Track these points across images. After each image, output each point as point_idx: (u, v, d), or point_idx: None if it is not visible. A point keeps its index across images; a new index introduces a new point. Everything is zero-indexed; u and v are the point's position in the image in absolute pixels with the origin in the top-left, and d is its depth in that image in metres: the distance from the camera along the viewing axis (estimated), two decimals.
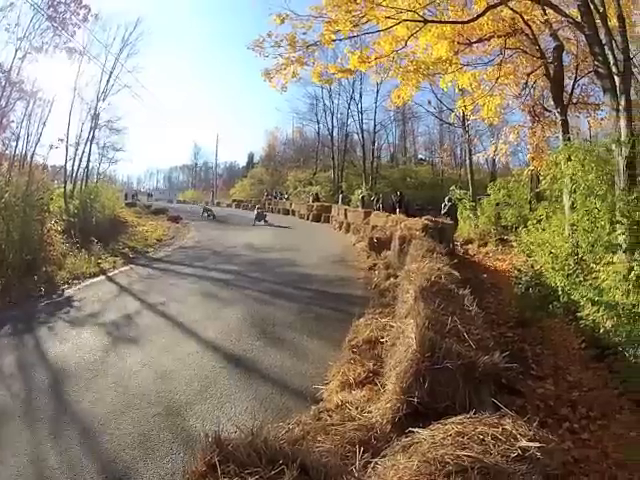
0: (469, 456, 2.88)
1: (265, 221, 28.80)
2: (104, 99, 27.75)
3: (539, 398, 7.69)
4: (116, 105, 29.01)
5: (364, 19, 15.02)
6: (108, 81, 27.64)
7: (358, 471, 3.43)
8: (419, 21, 14.75)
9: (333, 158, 44.30)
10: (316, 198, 36.43)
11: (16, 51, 22.23)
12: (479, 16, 14.99)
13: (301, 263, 16.14)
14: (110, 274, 17.22)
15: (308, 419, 5.40)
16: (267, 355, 8.44)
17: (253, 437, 3.88)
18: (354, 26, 15.07)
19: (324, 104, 45.50)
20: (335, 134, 45.59)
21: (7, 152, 24.72)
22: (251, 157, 56.97)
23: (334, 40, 15.77)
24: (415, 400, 4.36)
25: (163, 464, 5.51)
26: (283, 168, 48.53)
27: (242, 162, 61.38)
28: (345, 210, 27.17)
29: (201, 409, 6.70)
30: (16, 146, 24.61)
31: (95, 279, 16.57)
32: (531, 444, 3.02)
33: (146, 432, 6.24)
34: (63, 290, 15.08)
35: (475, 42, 16.34)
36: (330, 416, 5.30)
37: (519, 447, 3.00)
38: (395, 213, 23.72)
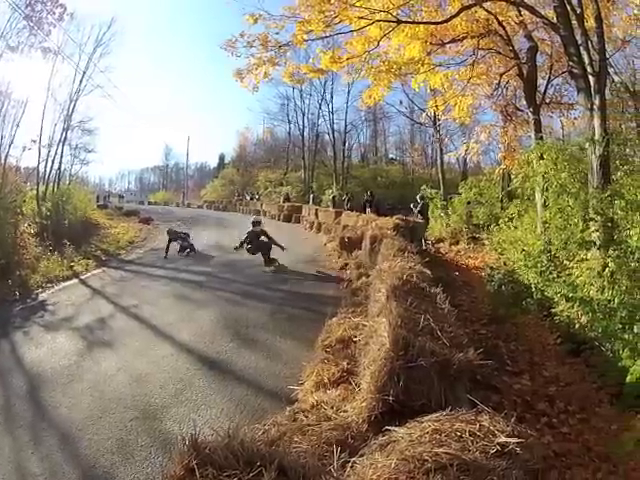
0: (447, 453, 2.91)
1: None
2: (77, 99, 27.45)
3: (516, 394, 7.80)
4: (88, 105, 28.74)
5: (337, 19, 14.99)
6: (81, 81, 27.33)
7: (336, 471, 3.43)
8: (392, 21, 14.76)
9: (304, 158, 44.25)
10: (287, 198, 36.34)
11: None
12: (453, 17, 15.05)
13: None
14: (83, 277, 17.17)
15: (284, 420, 5.38)
16: (241, 356, 8.46)
17: (230, 439, 3.84)
18: (327, 26, 15.05)
19: (295, 104, 45.46)
20: (306, 134, 45.53)
21: None
22: (222, 158, 56.85)
23: (306, 40, 15.75)
24: (390, 398, 4.38)
25: (142, 468, 5.53)
26: (254, 168, 48.44)
27: (213, 163, 61.31)
28: (316, 210, 27.21)
29: (177, 412, 6.70)
30: None
31: (68, 282, 16.54)
32: (510, 439, 3.05)
33: (124, 437, 6.24)
34: (37, 294, 15.01)
35: (448, 42, 16.40)
36: (306, 416, 5.30)
37: (498, 443, 3.03)
38: (366, 213, 23.76)
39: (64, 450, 6.15)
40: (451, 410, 3.59)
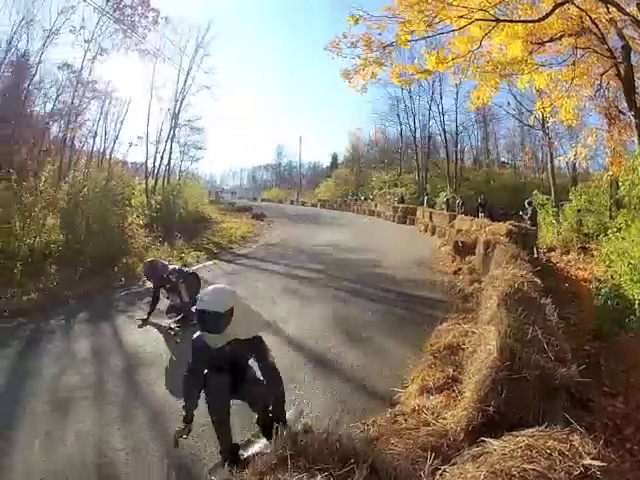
0: (535, 470, 2.85)
1: None
2: (182, 99, 28.49)
3: (608, 416, 7.42)
4: (195, 105, 29.73)
5: (437, 19, 14.72)
6: (185, 82, 28.44)
7: (426, 477, 3.44)
8: (490, 20, 14.40)
9: (417, 160, 43.83)
10: (401, 200, 36.22)
11: (85, 52, 23.28)
12: (547, 15, 14.42)
13: (386, 264, 15.98)
14: (193, 268, 17.37)
15: (384, 421, 5.42)
16: (348, 355, 8.43)
17: (328, 435, 3.88)
18: (428, 26, 14.80)
19: (405, 105, 45.05)
20: (418, 135, 45.07)
21: (84, 149, 25.94)
22: (335, 157, 57.16)
23: (409, 41, 15.57)
24: (491, 409, 4.33)
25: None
26: (367, 169, 48.31)
27: (326, 162, 61.74)
28: (430, 213, 26.93)
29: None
30: (94, 143, 25.85)
31: None
32: (594, 462, 2.94)
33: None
34: (144, 282, 15.29)
35: (547, 41, 15.72)
36: (405, 420, 5.27)
37: (582, 465, 2.93)
38: (479, 217, 23.31)
39: (152, 429, 6.36)
40: (546, 426, 3.49)
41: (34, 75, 24.24)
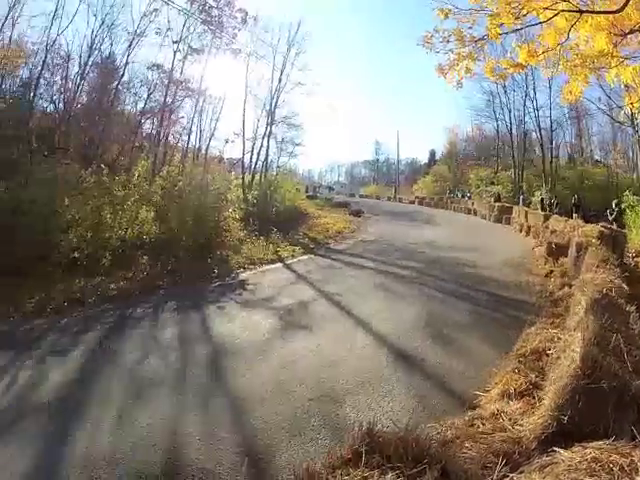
0: None
1: None
2: (278, 96, 28.82)
3: None
4: (291, 102, 29.97)
5: (524, 10, 14.32)
6: (280, 79, 28.76)
7: None
8: (574, 11, 13.85)
9: (513, 157, 42.54)
10: (497, 198, 35.27)
11: (174, 53, 23.96)
12: (623, 6, 13.84)
13: (479, 264, 15.78)
14: (288, 262, 17.91)
15: (461, 424, 5.42)
16: (434, 354, 8.41)
17: (405, 433, 3.95)
18: (515, 18, 14.33)
19: (500, 100, 43.84)
20: (514, 132, 43.83)
21: (179, 145, 26.72)
22: (433, 154, 56.22)
23: (500, 34, 15.24)
24: (565, 419, 4.29)
25: (306, 447, 5.69)
26: (464, 166, 47.53)
27: (424, 159, 60.80)
28: (526, 212, 26.10)
29: (358, 400, 6.81)
30: (188, 140, 26.58)
31: (272, 265, 17.39)
32: None
33: (297, 415, 6.46)
34: (237, 273, 16.01)
35: (628, 33, 15.10)
36: (483, 424, 5.27)
37: None
38: (573, 218, 22.60)
39: (229, 418, 6.52)
40: (614, 440, 3.47)
41: (122, 75, 25.51)
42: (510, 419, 5.26)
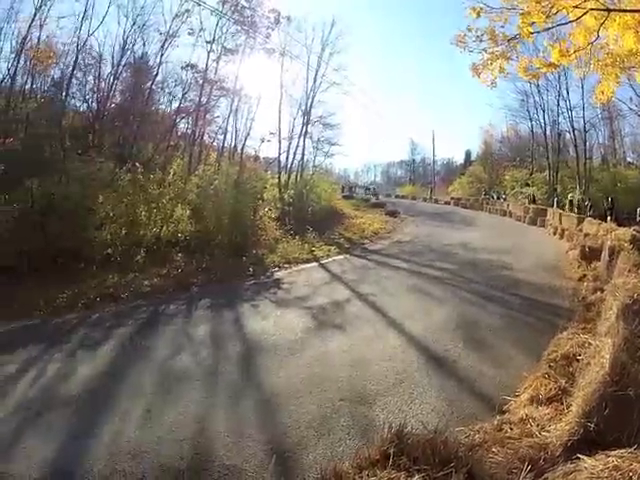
0: None
1: None
2: (313, 96, 28.83)
3: None
4: (327, 101, 29.93)
5: (554, 9, 14.18)
6: (315, 79, 28.69)
7: None
8: (602, 10, 13.68)
9: (547, 158, 42.03)
10: (532, 200, 34.91)
11: (208, 53, 24.23)
12: None
13: (512, 267, 15.73)
14: (323, 262, 18.09)
15: (489, 428, 5.45)
16: (466, 358, 8.46)
17: (434, 436, 4.03)
18: (546, 17, 14.21)
19: (534, 100, 43.22)
20: (548, 132, 43.23)
21: (215, 144, 26.94)
22: (468, 154, 55.45)
23: (532, 33, 15.09)
24: (592, 426, 4.31)
25: (334, 447, 5.73)
26: (499, 167, 47.06)
27: (459, 159, 60.19)
28: (560, 214, 25.86)
29: (389, 401, 6.87)
30: (224, 139, 26.86)
31: (307, 265, 17.59)
32: None
33: (327, 415, 6.52)
34: (272, 272, 16.23)
35: None
36: (511, 429, 5.30)
37: None
38: (606, 220, 22.31)
39: (259, 415, 6.61)
40: (636, 448, 3.51)
41: (156, 75, 25.67)
42: (538, 425, 5.27)
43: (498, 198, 41.00)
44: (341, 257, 19.13)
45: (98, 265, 15.47)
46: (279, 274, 16.19)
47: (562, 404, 5.73)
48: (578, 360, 6.88)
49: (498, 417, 5.90)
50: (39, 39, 22.59)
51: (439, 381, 7.58)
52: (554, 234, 24.05)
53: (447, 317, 10.73)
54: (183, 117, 27.00)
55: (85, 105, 25.53)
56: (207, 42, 24.63)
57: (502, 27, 15.51)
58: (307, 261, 18.17)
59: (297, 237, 21.17)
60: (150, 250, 17.12)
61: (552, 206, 30.99)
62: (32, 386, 7.87)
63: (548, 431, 5.00)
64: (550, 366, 7.13)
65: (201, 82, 25.56)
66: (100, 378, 8.12)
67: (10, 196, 16.73)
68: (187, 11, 24.11)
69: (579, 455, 3.64)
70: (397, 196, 53.44)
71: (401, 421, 5.03)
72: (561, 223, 24.25)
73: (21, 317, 11.45)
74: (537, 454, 4.39)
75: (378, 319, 10.88)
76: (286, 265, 17.34)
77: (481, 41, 15.86)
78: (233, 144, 27.85)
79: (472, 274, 14.96)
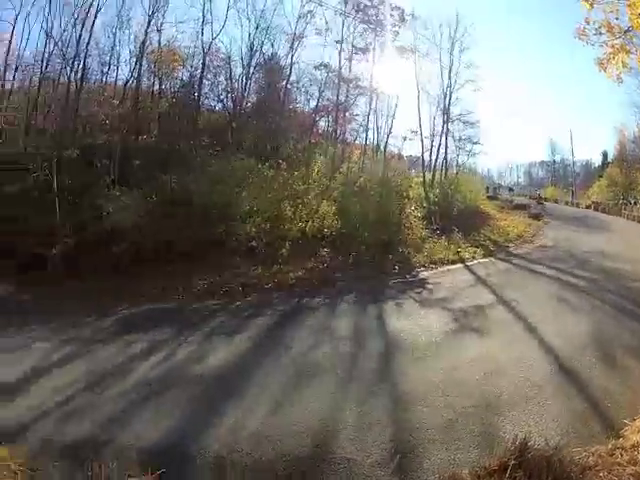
0: None
1: None
2: (450, 94, 28.65)
3: None
4: (465, 99, 29.63)
5: None
6: (450, 76, 28.46)
7: None
8: None
9: None
10: None
11: (339, 52, 24.88)
12: None
13: None
14: (468, 263, 18.50)
15: (603, 452, 5.68)
16: (600, 374, 8.55)
17: (553, 453, 4.48)
18: None
19: None
20: None
21: (357, 142, 27.49)
22: (605, 155, 52.87)
23: None
24: None
25: (455, 453, 6.10)
26: (635, 169, 44.71)
27: (597, 160, 57.86)
28: None
29: (517, 413, 7.19)
30: (366, 137, 27.39)
31: (452, 266, 18.05)
32: None
33: (455, 420, 6.95)
34: (418, 272, 16.81)
35: None
36: (621, 454, 5.53)
37: None
38: None
39: (388, 413, 7.12)
40: None
41: (289, 75, 26.37)
42: None
43: (635, 204, 39.12)
44: (486, 260, 19.34)
45: (242, 256, 16.62)
46: (424, 274, 16.73)
47: None
48: None
49: (613, 441, 6.05)
50: (159, 43, 23.78)
51: (568, 396, 7.81)
52: None
53: (585, 330, 10.78)
54: (322, 115, 27.79)
55: (220, 105, 26.69)
56: (336, 42, 25.23)
57: (616, 19, 15.13)
58: (452, 262, 18.54)
59: (443, 237, 21.38)
60: (295, 244, 18.00)
61: None
62: (160, 365, 9.06)
63: None
64: None
65: (336, 81, 26.16)
66: (234, 364, 9.10)
67: (146, 190, 18.21)
68: (309, 12, 24.79)
69: None
70: (539, 198, 52.04)
71: (526, 435, 5.43)
72: None
73: (163, 300, 13.01)
74: None
75: (517, 326, 11.22)
76: (432, 265, 17.83)
77: (600, 34, 15.50)
78: (375, 142, 28.23)
79: (610, 284, 14.79)
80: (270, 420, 6.95)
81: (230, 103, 26.38)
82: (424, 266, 17.61)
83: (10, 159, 18.19)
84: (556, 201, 48.65)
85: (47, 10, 21.98)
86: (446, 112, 28.79)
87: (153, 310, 12.65)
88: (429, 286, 15.00)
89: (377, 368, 8.82)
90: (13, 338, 10.59)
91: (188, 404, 7.51)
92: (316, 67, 26.10)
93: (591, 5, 15.33)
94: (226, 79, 26.08)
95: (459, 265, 18.20)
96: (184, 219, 17.24)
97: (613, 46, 15.81)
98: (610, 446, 5.91)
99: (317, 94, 26.80)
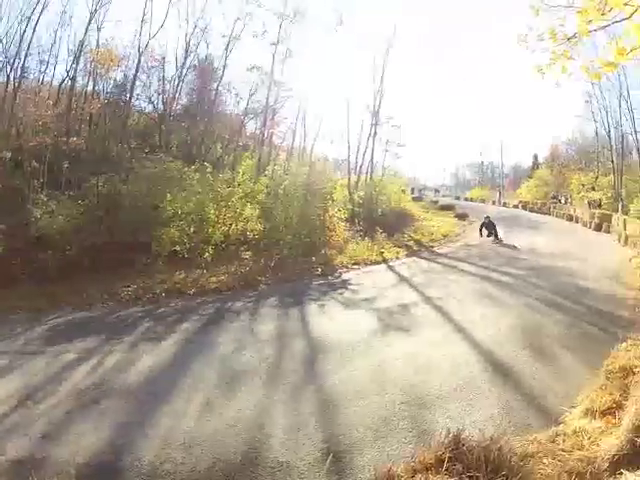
0: None
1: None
2: (380, 98, 28.88)
3: None
4: (395, 103, 30.05)
5: (607, 6, 14.06)
6: (382, 80, 28.67)
7: None
8: None
9: (612, 161, 41.08)
10: (598, 205, 34.26)
11: (273, 55, 24.71)
12: None
13: (577, 274, 15.45)
14: (391, 263, 18.30)
15: (544, 439, 5.52)
16: (527, 366, 8.45)
17: (490, 443, 4.18)
18: (602, 14, 14.12)
19: (597, 101, 42.12)
20: (612, 135, 42.06)
21: (284, 145, 27.45)
22: (535, 157, 54.70)
23: (590, 31, 14.96)
24: (639, 441, 4.41)
25: (389, 449, 5.89)
26: (566, 170, 46.07)
27: (527, 162, 59.40)
28: (624, 221, 25.32)
29: (449, 407, 7.00)
30: (293, 140, 27.40)
31: (375, 266, 17.79)
32: None
33: (386, 417, 6.69)
34: (341, 273, 16.46)
35: None
36: (563, 440, 5.38)
37: None
38: None
39: (318, 415, 6.83)
40: None
41: (222, 77, 26.35)
42: (589, 438, 5.35)
43: (565, 202, 40.20)
44: (409, 259, 19.27)
45: (165, 261, 16.29)
46: (347, 275, 16.44)
47: (615, 417, 5.80)
48: (634, 373, 6.90)
49: (553, 428, 5.95)
50: (97, 42, 23.39)
51: (499, 389, 7.65)
52: (618, 241, 23.50)
53: (511, 323, 10.74)
54: (251, 118, 27.68)
55: (151, 106, 26.59)
56: (271, 44, 25.10)
57: (562, 26, 15.34)
58: (376, 262, 18.37)
59: (366, 238, 21.41)
60: (218, 248, 17.77)
61: (617, 211, 30.23)
62: (88, 375, 8.53)
63: (598, 445, 5.09)
64: (607, 377, 7.13)
65: (268, 84, 26.03)
66: (160, 371, 8.69)
67: (75, 193, 17.97)
68: (248, 14, 24.62)
69: (622, 470, 3.78)
70: (466, 199, 53.04)
71: (459, 427, 5.15)
72: (625, 230, 23.71)
73: (85, 308, 12.53)
74: (585, 468, 4.52)
75: (443, 324, 11.02)
76: (355, 266, 17.62)
77: (542, 40, 15.73)
78: (302, 145, 28.37)
79: (537, 280, 14.86)
80: (202, 426, 6.64)
81: (161, 105, 26.25)
82: (347, 267, 17.44)
83: None
84: (483, 201, 49.64)
85: None
86: (375, 115, 28.94)
87: (81, 318, 12.10)
88: (352, 287, 14.78)
89: (304, 369, 8.56)
90: None
91: (120, 415, 7.08)
92: (248, 69, 25.91)
93: (537, 12, 15.60)
94: (159, 80, 25.99)
95: (382, 265, 18.05)
96: (111, 223, 16.93)
97: (555, 52, 16.10)
98: (550, 433, 5.76)
99: (247, 96, 26.68)
